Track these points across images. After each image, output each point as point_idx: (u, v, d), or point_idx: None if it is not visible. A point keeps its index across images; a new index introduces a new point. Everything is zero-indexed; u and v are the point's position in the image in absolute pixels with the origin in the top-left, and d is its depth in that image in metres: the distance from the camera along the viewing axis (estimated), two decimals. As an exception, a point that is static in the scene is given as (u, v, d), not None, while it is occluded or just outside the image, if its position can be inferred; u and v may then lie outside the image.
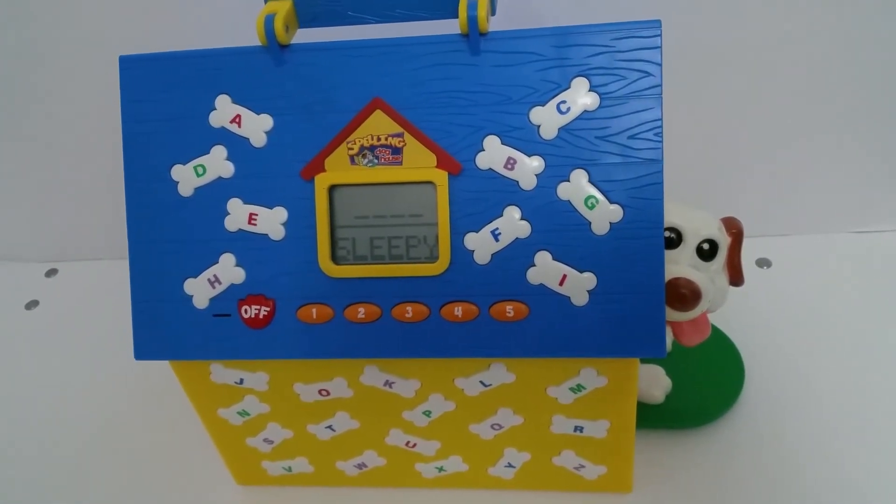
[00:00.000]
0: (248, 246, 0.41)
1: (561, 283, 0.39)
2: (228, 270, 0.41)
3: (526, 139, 0.39)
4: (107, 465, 0.57)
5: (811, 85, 0.64)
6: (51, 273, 0.81)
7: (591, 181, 0.38)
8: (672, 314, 0.45)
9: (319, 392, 0.45)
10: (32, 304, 0.77)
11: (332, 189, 0.40)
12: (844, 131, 0.66)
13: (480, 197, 0.39)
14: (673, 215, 0.45)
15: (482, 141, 0.39)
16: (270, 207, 0.41)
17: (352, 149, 0.40)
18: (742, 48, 0.62)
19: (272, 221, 0.41)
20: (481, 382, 0.44)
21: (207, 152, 0.41)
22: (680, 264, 0.45)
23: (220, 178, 0.41)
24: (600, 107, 0.38)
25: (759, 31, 0.61)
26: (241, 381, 0.45)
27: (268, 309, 0.41)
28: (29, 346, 0.71)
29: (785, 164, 0.68)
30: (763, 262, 0.68)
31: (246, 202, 0.41)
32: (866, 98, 0.64)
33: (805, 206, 0.70)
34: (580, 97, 0.38)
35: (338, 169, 0.40)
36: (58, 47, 0.68)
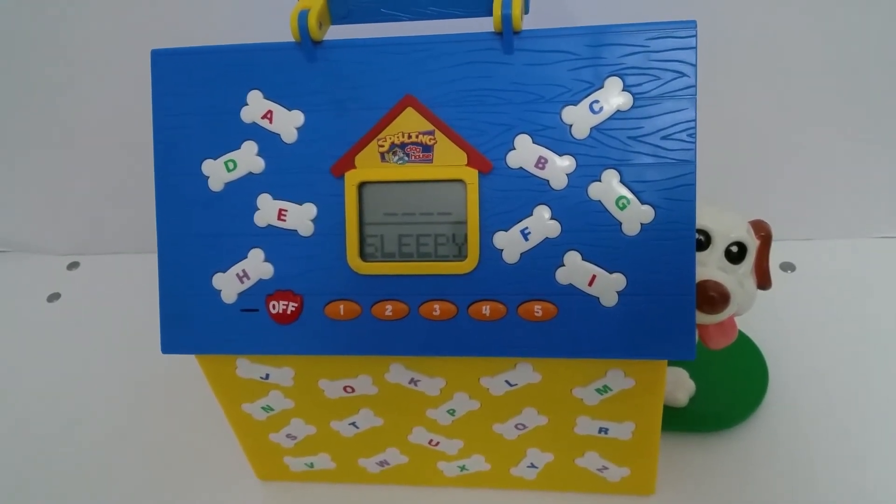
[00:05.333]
0: (277, 242, 0.41)
1: (590, 284, 0.39)
2: (257, 266, 0.41)
3: (557, 138, 0.39)
4: (128, 458, 0.58)
5: (839, 89, 0.63)
6: (73, 266, 0.82)
7: (622, 181, 0.38)
8: (699, 317, 0.45)
9: (344, 389, 0.45)
10: (54, 297, 0.78)
11: (361, 186, 0.40)
12: (871, 136, 0.65)
13: (510, 196, 0.39)
14: (702, 217, 0.44)
15: (513, 140, 0.39)
16: (300, 203, 0.41)
17: (382, 146, 0.40)
18: (771, 51, 0.62)
19: (301, 217, 0.41)
20: (507, 382, 0.43)
21: (238, 147, 0.41)
22: (708, 266, 0.45)
23: (250, 173, 0.41)
24: (633, 107, 0.38)
25: (789, 33, 0.61)
26: (267, 376, 0.45)
27: (295, 305, 0.41)
28: (50, 339, 0.72)
29: (810, 168, 0.68)
30: (787, 267, 0.68)
31: (276, 198, 0.41)
32: (894, 103, 0.63)
33: (830, 210, 0.69)
34: (613, 97, 0.38)
35: (368, 166, 0.40)
36: (85, 39, 0.68)
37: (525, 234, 0.39)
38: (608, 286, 0.39)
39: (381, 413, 0.47)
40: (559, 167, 0.39)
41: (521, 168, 0.39)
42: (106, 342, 0.69)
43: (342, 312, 0.41)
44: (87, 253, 0.83)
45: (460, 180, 0.39)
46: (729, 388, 0.55)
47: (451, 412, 0.46)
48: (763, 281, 0.48)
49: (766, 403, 0.55)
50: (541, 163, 0.39)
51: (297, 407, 0.47)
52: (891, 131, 0.65)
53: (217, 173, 0.41)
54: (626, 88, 0.38)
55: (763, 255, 0.47)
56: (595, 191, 0.38)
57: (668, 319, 0.38)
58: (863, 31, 0.60)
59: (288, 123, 0.41)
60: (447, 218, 0.40)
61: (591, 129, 0.38)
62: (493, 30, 0.39)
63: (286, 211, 0.41)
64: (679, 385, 0.54)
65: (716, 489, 0.50)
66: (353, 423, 0.48)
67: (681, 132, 0.38)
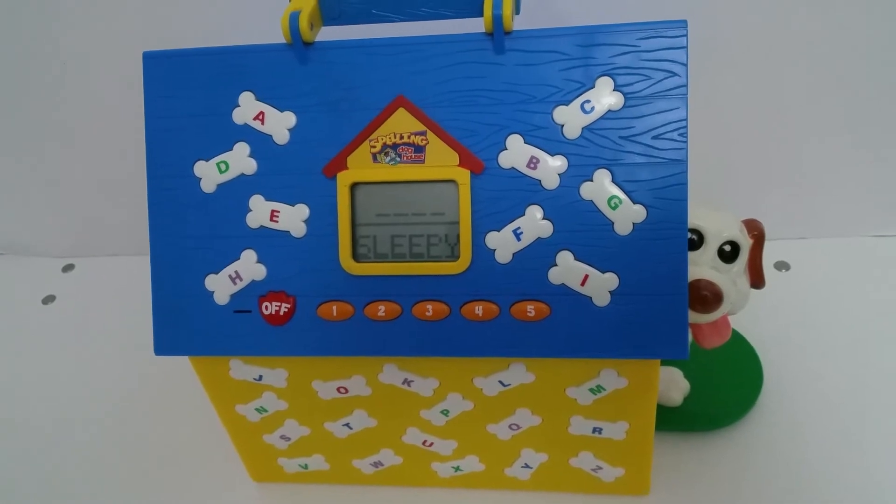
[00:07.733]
0: (269, 243, 0.41)
1: (582, 284, 0.39)
2: (250, 267, 0.41)
3: (549, 138, 0.39)
4: (122, 460, 0.57)
5: (832, 87, 0.63)
6: (68, 268, 0.82)
7: (614, 181, 0.38)
8: (692, 316, 0.45)
9: (338, 390, 0.45)
10: (49, 299, 0.77)
11: (354, 187, 0.40)
12: (864, 134, 0.66)
13: (502, 196, 0.39)
14: (694, 216, 0.45)
15: (505, 140, 0.39)
16: (292, 204, 0.41)
17: (374, 146, 0.40)
18: (764, 49, 0.62)
19: (294, 218, 0.41)
20: (500, 382, 0.43)
21: (230, 149, 0.41)
22: (701, 266, 0.45)
23: (242, 174, 0.41)
24: (625, 106, 0.38)
25: (782, 31, 0.61)
26: (260, 377, 0.45)
27: (288, 306, 0.41)
28: (45, 341, 0.72)
29: (804, 166, 0.68)
30: (781, 266, 0.68)
31: (268, 199, 0.41)
32: (888, 101, 0.63)
33: (824, 209, 0.69)
34: (604, 97, 0.38)
35: (360, 167, 0.40)
36: (78, 42, 0.68)
37: (517, 234, 0.39)
38: (601, 286, 0.39)
39: (374, 414, 0.47)
40: (551, 167, 0.39)
41: (513, 168, 0.39)
42: (100, 344, 0.69)
43: (335, 313, 0.41)
44: (82, 255, 0.83)
45: (452, 180, 0.39)
46: (723, 388, 0.55)
47: (445, 413, 0.46)
48: (756, 280, 0.48)
49: (760, 402, 0.55)
50: (533, 163, 0.39)
51: (290, 408, 0.47)
52: (884, 129, 0.65)
53: (209, 175, 0.41)
54: (617, 88, 0.38)
55: (756, 254, 0.48)
56: (587, 190, 0.38)
57: (661, 319, 0.38)
58: (856, 28, 0.60)
59: (280, 125, 0.41)
60: (439, 218, 0.40)
61: (582, 128, 0.38)
62: (484, 30, 0.39)
63: (278, 212, 0.41)
64: (673, 384, 0.54)
65: (710, 489, 0.50)
66: (347, 424, 0.48)
67: (672, 132, 0.38)
